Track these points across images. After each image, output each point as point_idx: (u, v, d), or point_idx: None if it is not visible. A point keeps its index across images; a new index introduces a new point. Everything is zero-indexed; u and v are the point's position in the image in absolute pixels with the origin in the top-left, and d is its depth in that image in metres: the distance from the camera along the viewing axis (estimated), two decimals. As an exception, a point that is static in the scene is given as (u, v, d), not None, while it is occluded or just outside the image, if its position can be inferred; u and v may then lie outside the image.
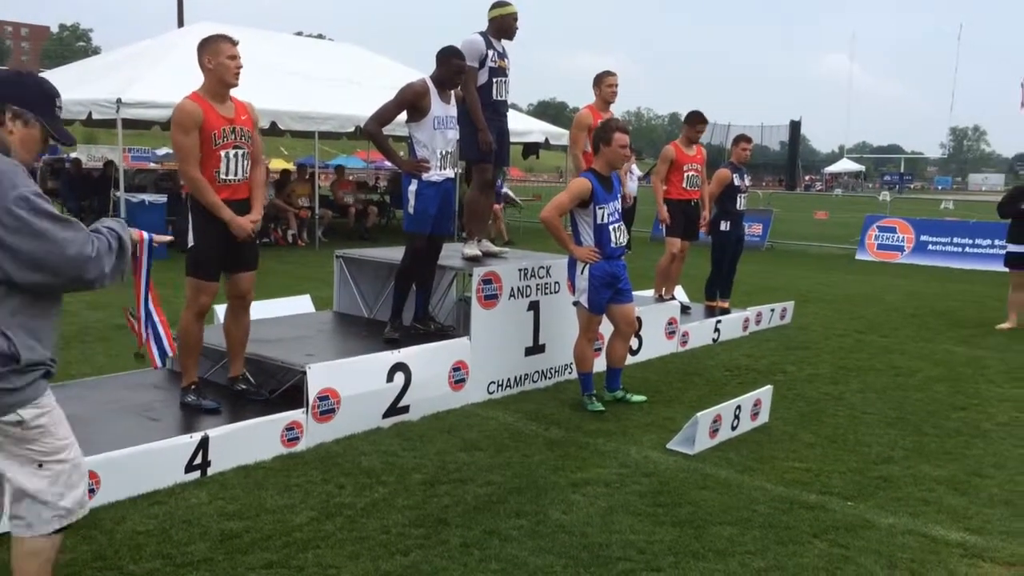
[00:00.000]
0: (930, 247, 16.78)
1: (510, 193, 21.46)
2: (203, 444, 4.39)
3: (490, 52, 6.16)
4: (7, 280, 2.58)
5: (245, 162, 4.75)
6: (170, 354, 3.78)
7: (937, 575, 3.58)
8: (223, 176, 4.65)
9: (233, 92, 4.77)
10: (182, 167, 4.63)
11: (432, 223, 5.77)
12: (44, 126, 2.77)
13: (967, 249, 16.32)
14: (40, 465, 2.75)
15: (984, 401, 6.34)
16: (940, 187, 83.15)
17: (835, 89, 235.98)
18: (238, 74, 4.67)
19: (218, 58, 4.61)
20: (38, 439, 2.75)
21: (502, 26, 6.24)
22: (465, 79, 5.90)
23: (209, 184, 4.61)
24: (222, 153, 4.62)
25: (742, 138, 9.06)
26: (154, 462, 4.22)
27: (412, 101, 5.60)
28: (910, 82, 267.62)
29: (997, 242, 15.95)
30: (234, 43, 4.68)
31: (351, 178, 21.29)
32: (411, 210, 5.74)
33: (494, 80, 6.23)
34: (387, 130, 5.76)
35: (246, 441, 4.60)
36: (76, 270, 2.63)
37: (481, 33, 6.22)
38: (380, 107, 5.63)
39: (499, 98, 6.29)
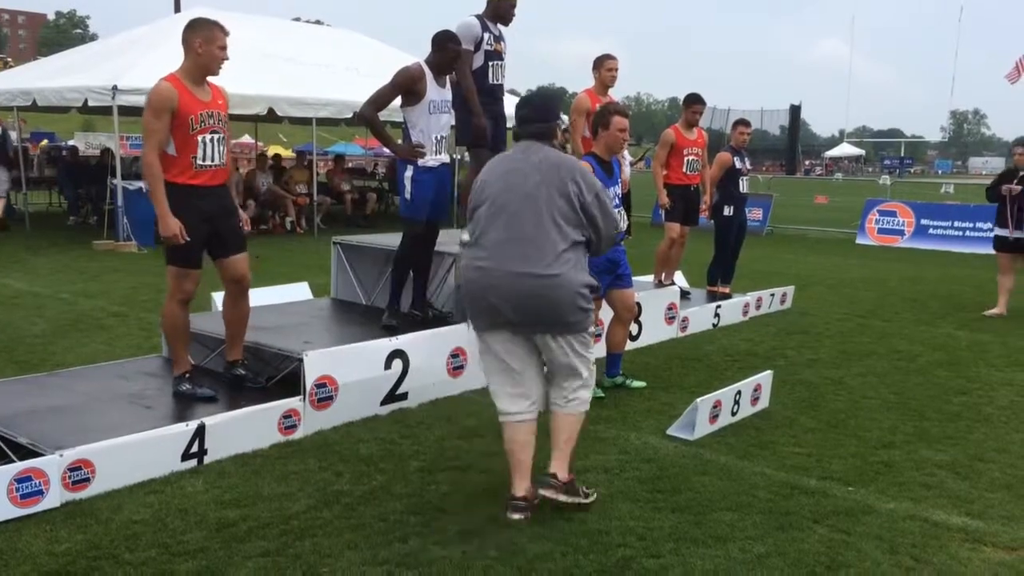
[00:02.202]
0: (931, 231, 16.73)
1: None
2: (199, 432, 4.36)
3: (486, 35, 6.09)
4: (589, 242, 3.93)
5: (222, 147, 4.68)
6: None
7: (939, 560, 3.55)
8: (200, 161, 4.57)
9: (232, 77, 4.74)
10: (144, 149, 4.52)
11: (429, 209, 5.73)
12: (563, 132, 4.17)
13: (968, 233, 16.27)
14: (591, 362, 3.99)
15: (985, 385, 6.32)
16: (940, 171, 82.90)
17: (835, 73, 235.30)
18: (222, 66, 4.64)
19: (210, 46, 4.56)
20: (590, 344, 3.96)
21: (498, 10, 6.17)
22: (460, 62, 5.84)
23: (162, 173, 4.49)
24: (199, 138, 4.54)
25: (741, 122, 9.03)
26: (150, 451, 4.19)
27: (407, 85, 5.53)
28: (910, 65, 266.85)
29: (998, 226, 15.91)
30: (227, 33, 4.63)
31: (350, 165, 21.21)
32: (408, 196, 5.68)
33: (490, 64, 6.16)
34: (384, 116, 5.70)
35: (243, 429, 4.57)
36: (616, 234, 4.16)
37: (477, 16, 6.15)
38: (375, 92, 5.57)
39: (495, 82, 6.22)
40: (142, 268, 10.96)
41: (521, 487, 3.87)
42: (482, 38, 6.07)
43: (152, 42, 15.32)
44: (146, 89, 13.67)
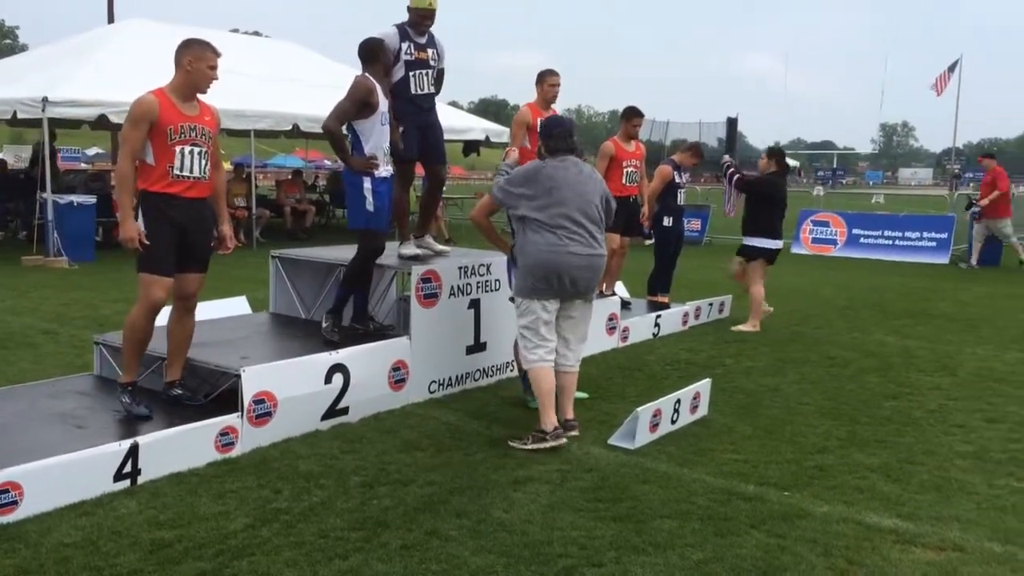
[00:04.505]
0: (862, 240, 17.21)
1: None
2: (133, 452, 4.26)
3: (405, 45, 5.99)
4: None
5: (203, 161, 4.72)
6: None
7: (871, 561, 3.64)
8: (177, 172, 4.61)
9: None
10: (118, 158, 4.67)
11: (385, 220, 5.74)
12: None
13: (897, 242, 16.77)
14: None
15: (915, 390, 6.50)
16: (871, 182, 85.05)
17: (768, 87, 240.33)
18: (211, 84, 4.74)
19: (200, 64, 4.66)
20: None
21: (413, 19, 6.06)
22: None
23: (136, 181, 4.58)
24: (177, 149, 4.59)
25: (693, 149, 9.09)
26: (81, 471, 4.08)
27: (365, 97, 5.50)
28: (842, 80, 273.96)
29: (926, 234, 16.45)
30: (218, 55, 4.74)
31: (307, 180, 21.04)
32: (371, 207, 5.63)
33: (411, 74, 6.06)
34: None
35: (178, 448, 4.47)
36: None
37: (398, 25, 6.05)
38: (337, 106, 5.50)
39: (419, 92, 6.12)
40: (73, 284, 10.68)
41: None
42: (400, 48, 5.98)
43: (85, 53, 15.03)
44: (79, 101, 13.48)
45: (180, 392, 4.98)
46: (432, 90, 6.24)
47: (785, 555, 3.67)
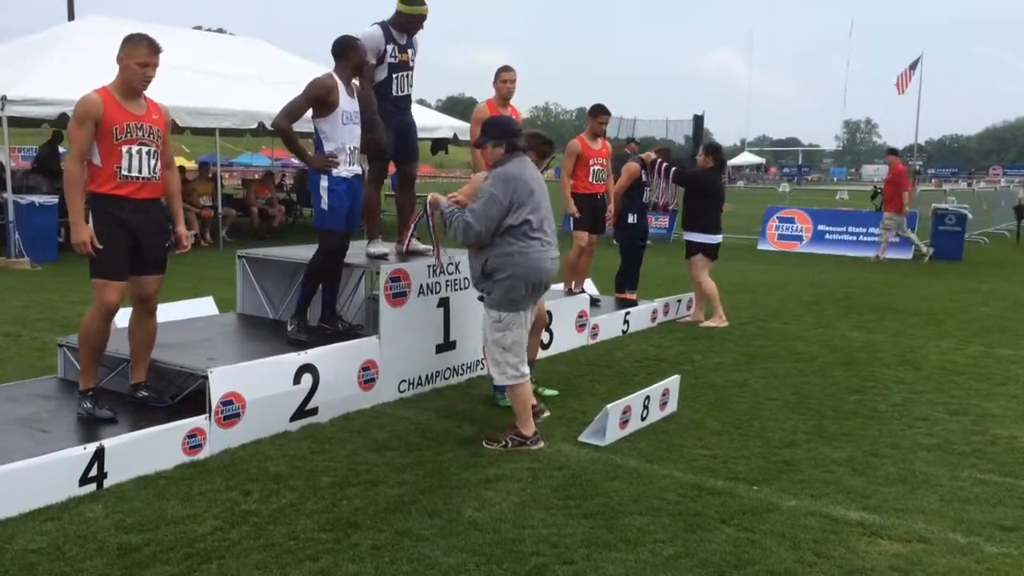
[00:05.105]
0: (827, 236, 17.41)
1: None
2: (98, 455, 4.20)
3: (390, 47, 6.00)
4: None
5: (152, 161, 4.62)
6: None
7: (838, 554, 3.69)
8: (124, 172, 4.52)
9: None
10: (67, 157, 4.57)
11: (345, 219, 5.69)
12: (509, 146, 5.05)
13: (861, 237, 17.00)
14: None
15: (879, 384, 6.60)
16: (836, 178, 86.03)
17: (733, 84, 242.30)
18: (146, 82, 4.59)
19: (128, 60, 4.54)
20: None
21: (403, 24, 6.06)
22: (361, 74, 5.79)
23: (84, 182, 4.50)
24: (124, 149, 4.49)
25: (662, 153, 9.19)
26: (45, 476, 4.02)
27: (321, 96, 5.47)
28: (806, 77, 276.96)
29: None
30: (155, 50, 4.58)
31: (278, 181, 20.84)
32: (325, 206, 5.60)
33: (394, 76, 6.07)
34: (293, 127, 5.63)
35: (145, 450, 4.42)
36: None
37: (382, 24, 6.04)
38: (289, 103, 5.48)
39: (400, 93, 6.15)
40: (35, 285, 10.50)
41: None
42: (385, 50, 5.98)
43: (44, 52, 14.76)
44: (39, 99, 13.22)
45: (146, 394, 4.92)
46: (410, 91, 6.25)
47: (754, 549, 3.71)
